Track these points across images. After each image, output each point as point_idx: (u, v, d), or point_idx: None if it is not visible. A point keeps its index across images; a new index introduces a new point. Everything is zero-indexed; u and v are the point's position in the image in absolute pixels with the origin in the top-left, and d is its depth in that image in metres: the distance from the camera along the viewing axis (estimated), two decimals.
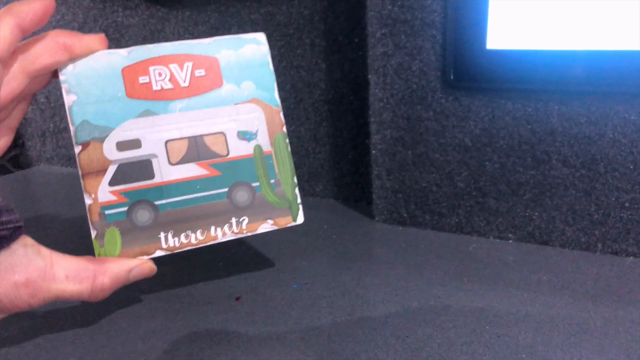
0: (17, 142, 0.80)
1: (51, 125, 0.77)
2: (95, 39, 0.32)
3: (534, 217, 0.46)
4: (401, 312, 0.37)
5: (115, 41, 0.67)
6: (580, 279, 0.40)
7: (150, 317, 0.37)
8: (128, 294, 0.40)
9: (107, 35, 0.34)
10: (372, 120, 0.50)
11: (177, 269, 0.44)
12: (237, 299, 0.39)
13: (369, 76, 0.49)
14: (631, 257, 0.43)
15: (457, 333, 0.34)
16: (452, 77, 0.44)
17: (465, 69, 0.44)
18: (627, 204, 0.42)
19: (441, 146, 0.47)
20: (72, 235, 0.51)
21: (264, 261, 0.45)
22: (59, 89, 0.74)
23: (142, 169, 0.33)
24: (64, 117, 0.76)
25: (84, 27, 0.69)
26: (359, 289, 0.40)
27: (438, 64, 0.45)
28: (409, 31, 0.45)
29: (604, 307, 0.37)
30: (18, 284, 0.28)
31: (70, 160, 0.78)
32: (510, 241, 0.47)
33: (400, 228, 0.51)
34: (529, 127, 0.44)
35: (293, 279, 0.42)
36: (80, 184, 0.33)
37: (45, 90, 0.75)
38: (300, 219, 0.37)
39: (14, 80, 0.30)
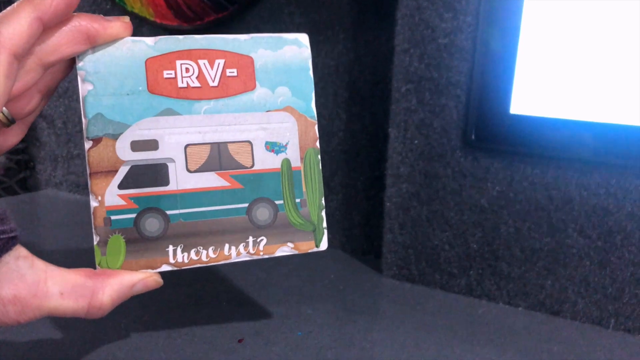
0: (28, 165, 0.80)
1: (65, 151, 0.77)
2: (121, 27, 0.29)
3: (546, 285, 0.45)
4: None
5: None
6: (593, 354, 0.39)
7: (149, 350, 0.36)
8: (127, 324, 0.38)
9: None
10: (389, 173, 0.50)
11: (180, 304, 0.43)
12: (240, 341, 0.38)
13: (390, 129, 0.49)
14: None
15: None
16: (473, 137, 0.45)
17: (487, 131, 0.44)
18: None
19: (457, 205, 0.47)
20: (73, 259, 0.50)
21: (268, 305, 0.44)
22: (79, 115, 0.75)
23: (157, 173, 0.30)
24: (77, 144, 0.76)
25: None
26: (365, 343, 0.39)
27: (460, 123, 0.46)
28: (433, 89, 0.46)
29: None
30: (5, 300, 0.26)
31: (79, 187, 0.78)
32: (520, 308, 0.46)
33: (408, 285, 0.50)
34: (547, 193, 0.44)
35: (298, 326, 0.41)
36: (87, 192, 0.30)
37: (64, 116, 0.76)
38: (324, 245, 0.33)
39: (28, 73, 0.27)
